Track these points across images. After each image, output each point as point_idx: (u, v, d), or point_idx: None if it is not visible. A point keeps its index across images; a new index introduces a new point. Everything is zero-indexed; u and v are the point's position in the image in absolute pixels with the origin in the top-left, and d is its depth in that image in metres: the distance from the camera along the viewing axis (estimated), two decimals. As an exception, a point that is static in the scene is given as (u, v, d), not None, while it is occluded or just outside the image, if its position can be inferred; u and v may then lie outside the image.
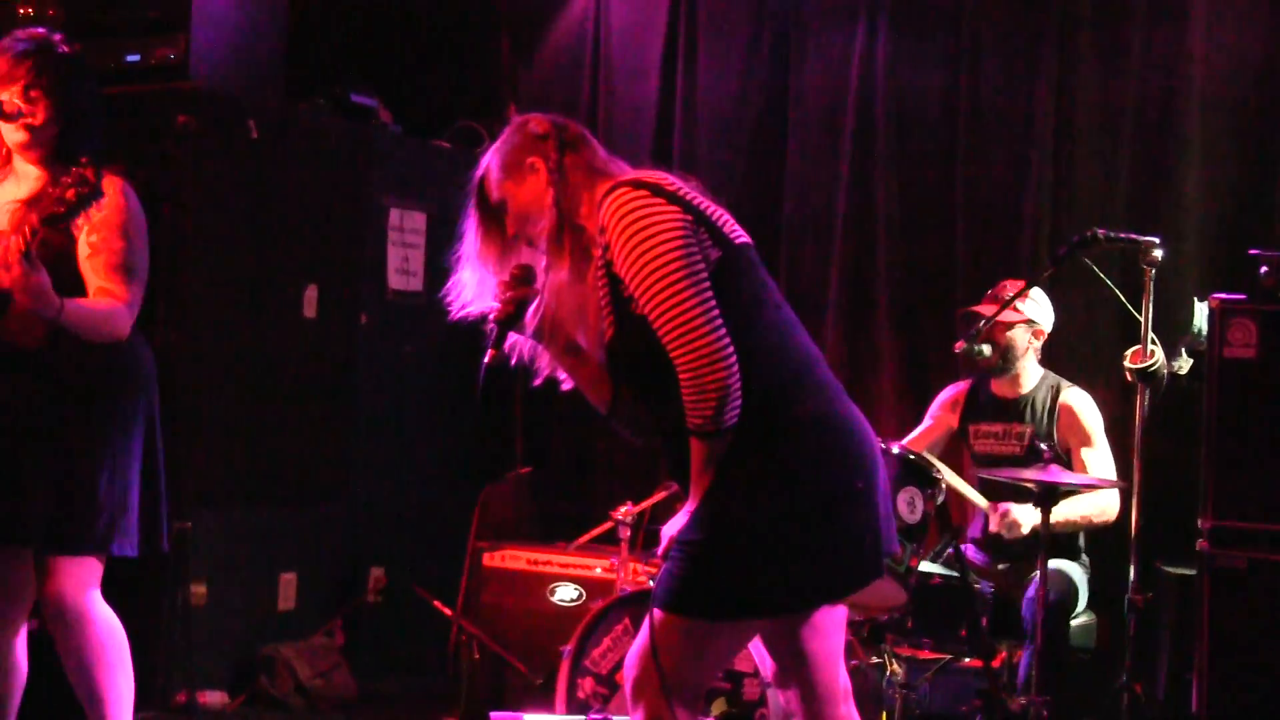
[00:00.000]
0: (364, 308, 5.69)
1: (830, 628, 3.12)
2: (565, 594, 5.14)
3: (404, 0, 6.58)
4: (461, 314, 3.13)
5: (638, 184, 2.91)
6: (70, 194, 3.34)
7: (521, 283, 3.06)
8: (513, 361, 3.12)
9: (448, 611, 5.22)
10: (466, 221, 3.12)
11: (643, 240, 2.85)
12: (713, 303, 2.84)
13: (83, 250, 3.60)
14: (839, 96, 5.74)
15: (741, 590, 2.88)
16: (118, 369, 3.69)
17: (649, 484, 5.35)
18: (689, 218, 2.90)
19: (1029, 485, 4.23)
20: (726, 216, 2.99)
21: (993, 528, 4.54)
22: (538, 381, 3.17)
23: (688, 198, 2.93)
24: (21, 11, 5.31)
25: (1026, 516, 4.44)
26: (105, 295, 3.59)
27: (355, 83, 5.79)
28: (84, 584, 3.66)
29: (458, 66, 6.56)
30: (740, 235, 2.99)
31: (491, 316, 3.07)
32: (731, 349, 2.83)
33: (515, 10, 6.49)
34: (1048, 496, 4.16)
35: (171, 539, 3.91)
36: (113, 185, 3.60)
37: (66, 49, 3.67)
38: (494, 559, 5.28)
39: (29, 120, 3.60)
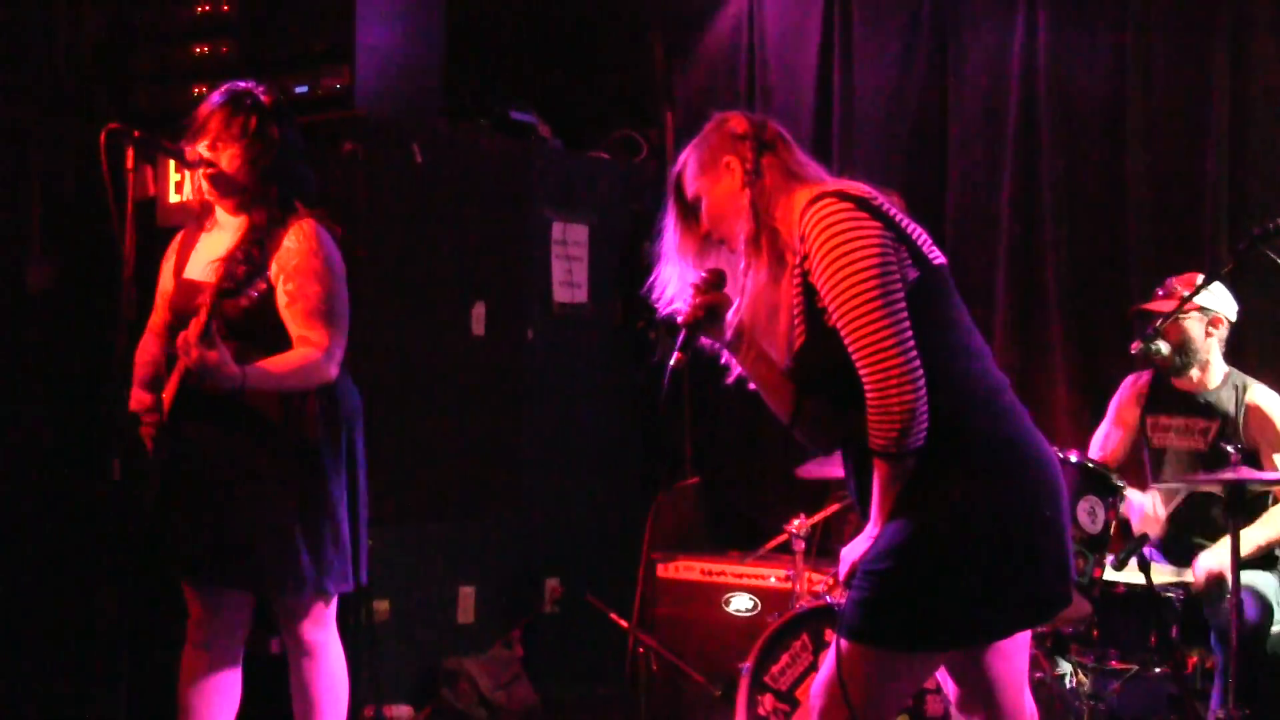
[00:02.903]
0: (530, 322, 5.75)
1: (1014, 650, 3.08)
2: (740, 604, 5.15)
3: (557, 13, 6.62)
4: (668, 311, 3.13)
5: (843, 195, 2.89)
6: (240, 271, 3.42)
7: (712, 287, 3.07)
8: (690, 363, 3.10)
9: (624, 624, 5.27)
10: (666, 218, 3.13)
11: (843, 254, 2.83)
12: (906, 324, 2.82)
13: (281, 299, 3.66)
14: (1000, 90, 5.62)
15: (932, 621, 2.86)
16: (340, 412, 3.77)
17: (819, 493, 5.33)
18: (890, 235, 2.88)
19: (1213, 489, 4.12)
20: (925, 236, 2.97)
21: (1196, 588, 4.40)
22: (730, 379, 3.16)
23: (890, 214, 2.91)
24: (198, 50, 5.47)
25: (1206, 564, 4.31)
26: (304, 343, 3.65)
27: (514, 100, 5.85)
28: (321, 620, 3.80)
29: (613, 76, 6.59)
30: (938, 256, 2.97)
31: (680, 320, 3.08)
32: (920, 372, 2.81)
33: (668, 17, 6.49)
34: (1237, 498, 4.05)
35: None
36: (304, 230, 3.67)
37: (265, 99, 3.72)
38: (668, 570, 5.31)
39: (215, 170, 3.67)
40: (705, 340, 3.10)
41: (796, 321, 2.94)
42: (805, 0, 6.11)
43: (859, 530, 3.01)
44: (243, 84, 3.78)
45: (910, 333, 2.82)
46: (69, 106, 5.64)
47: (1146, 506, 4.48)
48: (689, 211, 3.10)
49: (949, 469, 2.86)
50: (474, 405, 5.56)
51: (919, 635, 2.88)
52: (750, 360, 3.10)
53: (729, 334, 3.06)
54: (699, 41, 6.44)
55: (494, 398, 5.64)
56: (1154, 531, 4.47)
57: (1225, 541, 4.10)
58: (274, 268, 3.65)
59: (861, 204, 2.88)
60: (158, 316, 3.87)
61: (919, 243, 2.94)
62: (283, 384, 3.62)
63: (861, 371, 2.83)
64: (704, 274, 3.08)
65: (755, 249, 2.99)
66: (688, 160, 3.09)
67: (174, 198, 5.33)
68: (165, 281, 3.85)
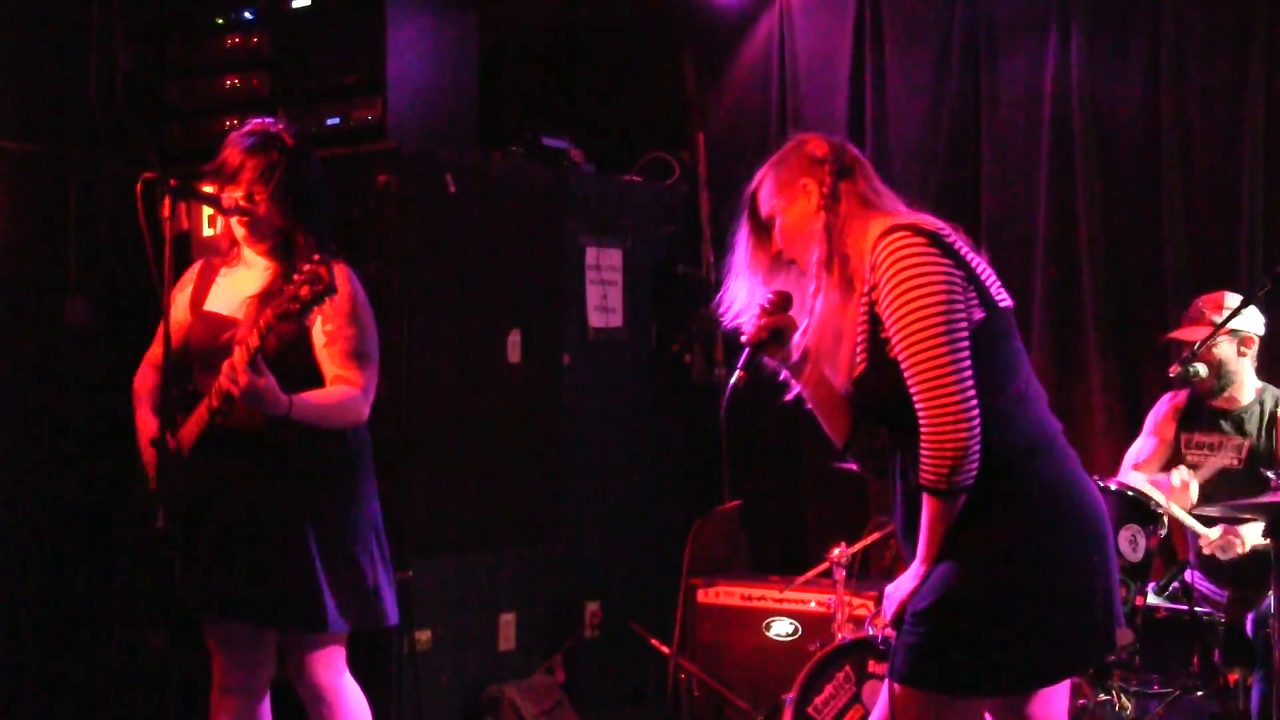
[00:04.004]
0: (566, 348, 5.75)
1: (1057, 693, 3.08)
2: (781, 629, 5.15)
3: (587, 37, 6.64)
4: (733, 324, 3.14)
5: (917, 230, 2.89)
6: (305, 291, 3.37)
7: (779, 309, 3.08)
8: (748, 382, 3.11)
9: (665, 649, 5.27)
10: (738, 233, 3.14)
11: (912, 289, 2.84)
12: (967, 363, 2.83)
13: (318, 339, 3.68)
14: (1034, 108, 5.60)
15: (982, 666, 2.86)
16: (353, 449, 3.78)
17: (858, 516, 5.34)
18: (960, 274, 2.88)
19: (1251, 517, 4.10)
20: (993, 277, 2.97)
21: (1206, 549, 4.42)
22: (788, 398, 3.16)
23: (962, 252, 2.92)
24: (230, 83, 5.51)
25: (1248, 534, 4.32)
26: (341, 383, 3.66)
27: (546, 126, 5.86)
28: (334, 663, 3.79)
29: (644, 99, 6.59)
30: (1005, 299, 2.97)
31: (744, 338, 3.09)
32: (977, 412, 2.81)
33: (699, 38, 6.49)
34: (1278, 523, 4.02)
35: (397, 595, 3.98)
36: (339, 274, 3.65)
37: (291, 140, 3.73)
38: (708, 595, 5.31)
39: (253, 216, 3.69)
40: (768, 360, 3.10)
41: (860, 349, 2.96)
42: (836, 22, 6.10)
43: (899, 557, 3.01)
44: (268, 122, 3.79)
45: (970, 372, 2.82)
46: (103, 141, 5.68)
47: (1174, 479, 4.46)
48: (762, 229, 3.11)
49: (1002, 513, 2.87)
50: (512, 432, 5.57)
51: (968, 681, 2.89)
52: (811, 382, 3.11)
53: (795, 355, 3.07)
54: (730, 64, 6.44)
55: (531, 424, 5.65)
56: (1183, 503, 4.45)
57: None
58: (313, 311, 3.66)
59: (935, 240, 2.88)
60: (159, 348, 3.79)
61: (987, 283, 2.94)
62: (325, 417, 3.64)
63: (918, 405, 2.84)
64: (772, 295, 3.09)
65: (826, 272, 2.99)
66: (764, 179, 3.10)
67: (207, 231, 5.35)
68: (179, 312, 3.81)
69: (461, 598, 5.39)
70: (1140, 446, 4.83)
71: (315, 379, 3.68)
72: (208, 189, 3.77)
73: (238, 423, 3.64)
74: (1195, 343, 4.45)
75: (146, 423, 3.82)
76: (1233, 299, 4.55)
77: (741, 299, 3.14)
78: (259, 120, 3.80)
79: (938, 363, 2.81)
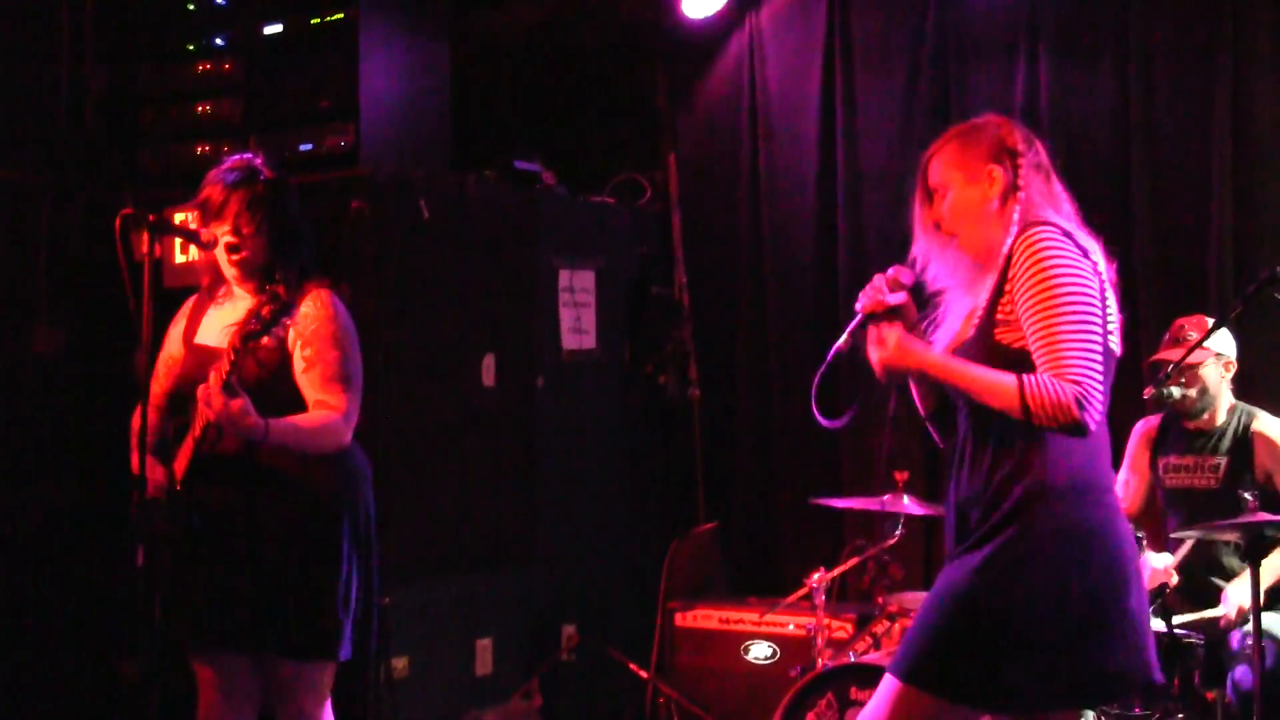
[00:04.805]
0: (540, 370, 5.75)
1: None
2: (759, 652, 5.15)
3: (557, 59, 6.63)
4: (931, 284, 3.16)
5: (1065, 233, 2.95)
6: (265, 311, 3.43)
7: (899, 287, 3.10)
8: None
9: (644, 674, 5.27)
10: (915, 195, 3.17)
11: (1059, 277, 2.88)
12: (1101, 339, 2.87)
13: (298, 365, 3.68)
14: (1003, 129, 5.63)
15: (990, 681, 2.89)
16: (339, 474, 3.77)
17: (833, 536, 5.34)
18: (1098, 283, 2.92)
19: (1232, 539, 4.12)
20: (1117, 321, 3.01)
21: (1223, 624, 4.42)
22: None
23: (1100, 274, 2.97)
24: (201, 109, 5.48)
25: (1236, 598, 4.33)
26: (322, 407, 3.66)
27: (518, 149, 5.85)
28: (324, 691, 3.78)
29: (615, 120, 6.59)
30: (1118, 345, 3.01)
31: (860, 306, 3.11)
32: (1101, 375, 2.86)
33: (669, 59, 6.50)
34: (1256, 543, 4.05)
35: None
36: (320, 298, 3.70)
37: (270, 174, 3.76)
38: (686, 619, 5.31)
39: (243, 256, 3.71)
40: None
41: (974, 322, 3.00)
42: (805, 42, 6.13)
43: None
44: (246, 157, 3.81)
45: (1102, 348, 2.87)
46: (75, 167, 5.64)
47: (1154, 563, 4.49)
48: (928, 195, 3.13)
49: (1041, 536, 2.90)
50: (487, 455, 5.55)
51: (970, 692, 2.91)
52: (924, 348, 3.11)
53: (924, 328, 3.13)
54: (701, 84, 6.45)
55: (506, 447, 5.64)
56: (1170, 582, 4.48)
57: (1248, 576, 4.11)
58: (291, 334, 3.67)
59: (1082, 254, 2.93)
60: (159, 386, 3.85)
61: (1109, 315, 2.97)
62: (304, 441, 3.64)
63: (1040, 349, 2.86)
64: (898, 272, 3.11)
65: (983, 258, 3.03)
66: (946, 148, 3.11)
67: (179, 258, 5.32)
68: (173, 346, 3.86)
69: (438, 623, 5.37)
70: (1122, 481, 4.84)
71: (298, 405, 3.68)
72: (179, 216, 3.77)
73: (229, 451, 3.63)
74: (1174, 362, 4.47)
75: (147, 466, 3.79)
76: (1212, 323, 4.57)
77: (924, 256, 3.15)
78: (236, 157, 3.82)
79: (1067, 319, 2.84)
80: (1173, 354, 4.54)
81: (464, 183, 5.57)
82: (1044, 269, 2.88)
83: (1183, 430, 4.73)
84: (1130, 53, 5.41)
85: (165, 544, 3.66)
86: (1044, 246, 2.90)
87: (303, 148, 5.30)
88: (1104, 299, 2.94)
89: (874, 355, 3.08)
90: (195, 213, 3.79)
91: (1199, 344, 4.40)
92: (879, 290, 3.09)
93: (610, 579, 5.94)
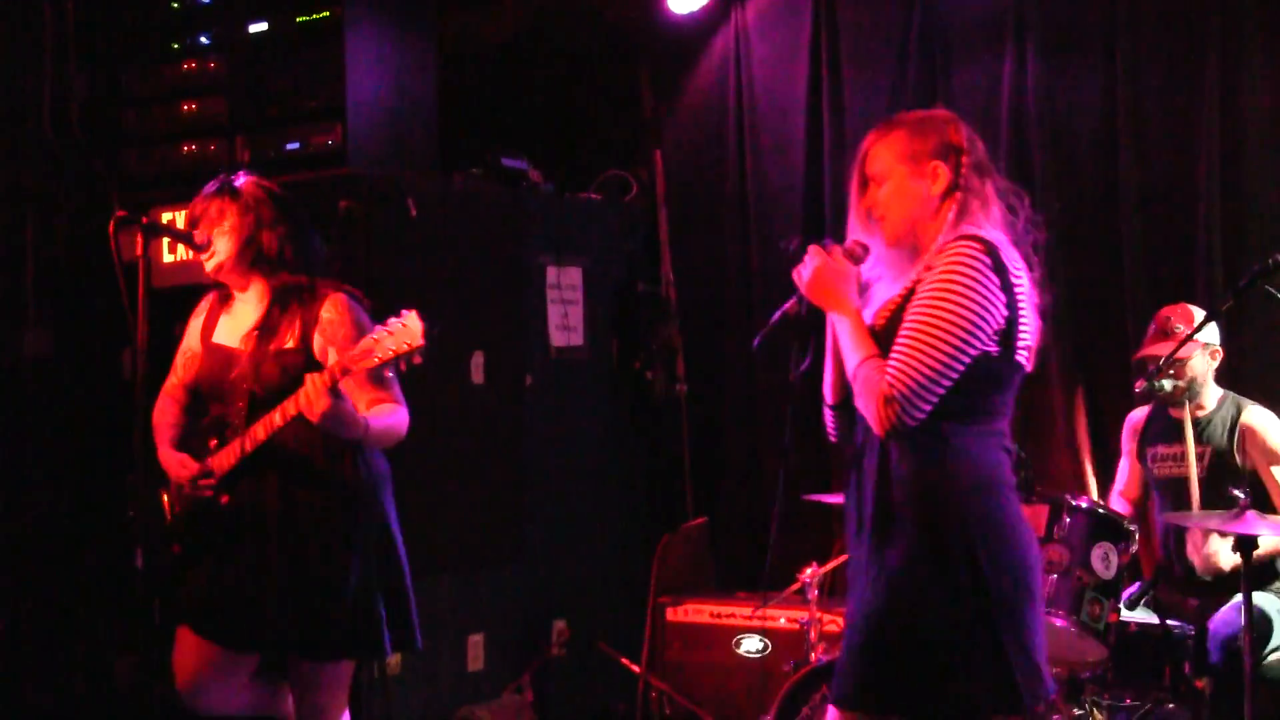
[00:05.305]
0: (529, 368, 5.75)
1: None
2: (751, 645, 5.17)
3: (543, 57, 6.63)
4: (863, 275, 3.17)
5: (991, 251, 2.93)
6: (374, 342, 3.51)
7: (852, 258, 3.12)
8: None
9: (636, 669, 5.28)
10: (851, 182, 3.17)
11: (954, 299, 2.89)
12: (958, 365, 2.88)
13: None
14: (991, 123, 5.60)
15: (921, 691, 2.92)
16: (377, 472, 3.85)
17: (823, 532, 5.35)
18: (1003, 313, 2.93)
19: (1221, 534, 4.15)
20: (1034, 336, 3.01)
21: (1198, 564, 4.46)
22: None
23: (1018, 294, 2.95)
24: (186, 109, 5.46)
25: (1226, 559, 4.37)
26: (382, 403, 3.75)
27: (504, 147, 5.85)
28: (345, 687, 3.83)
29: (601, 117, 6.60)
30: (1027, 361, 3.01)
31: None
32: (933, 397, 2.87)
33: (655, 56, 6.50)
34: (1247, 546, 4.07)
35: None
36: (338, 302, 3.77)
37: (264, 180, 3.84)
38: (677, 614, 5.33)
39: (211, 255, 3.76)
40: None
41: (885, 315, 3.02)
42: (791, 39, 6.13)
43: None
44: (239, 174, 3.87)
45: (954, 373, 2.88)
46: (60, 169, 5.62)
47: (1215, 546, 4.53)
48: (863, 182, 3.12)
49: (949, 543, 2.92)
50: (476, 453, 5.55)
51: (867, 699, 2.95)
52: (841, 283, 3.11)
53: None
54: (686, 81, 6.45)
55: (495, 444, 5.64)
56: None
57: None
58: (318, 341, 3.74)
59: (996, 263, 2.92)
60: (177, 377, 3.92)
61: (1020, 335, 2.97)
62: (389, 436, 3.78)
63: (899, 348, 2.90)
64: (853, 243, 3.13)
65: (908, 249, 3.05)
66: (890, 136, 3.08)
67: (168, 258, 5.32)
68: (192, 342, 3.92)
69: (430, 620, 5.35)
70: (1119, 472, 4.91)
71: None
72: (166, 216, 3.80)
73: (271, 449, 3.68)
74: (1165, 357, 4.49)
75: (169, 459, 3.83)
76: (1198, 312, 4.60)
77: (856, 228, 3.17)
78: (223, 174, 3.88)
79: (939, 340, 2.87)
80: (1161, 348, 4.57)
81: (451, 181, 5.57)
82: (947, 286, 2.90)
83: (1170, 420, 4.75)
84: (1117, 47, 5.41)
85: (169, 536, 3.69)
86: (959, 266, 2.91)
87: (289, 147, 5.30)
88: (1017, 319, 2.95)
89: (802, 274, 3.12)
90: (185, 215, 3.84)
91: (1189, 337, 4.43)
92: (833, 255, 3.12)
93: (600, 574, 5.95)
